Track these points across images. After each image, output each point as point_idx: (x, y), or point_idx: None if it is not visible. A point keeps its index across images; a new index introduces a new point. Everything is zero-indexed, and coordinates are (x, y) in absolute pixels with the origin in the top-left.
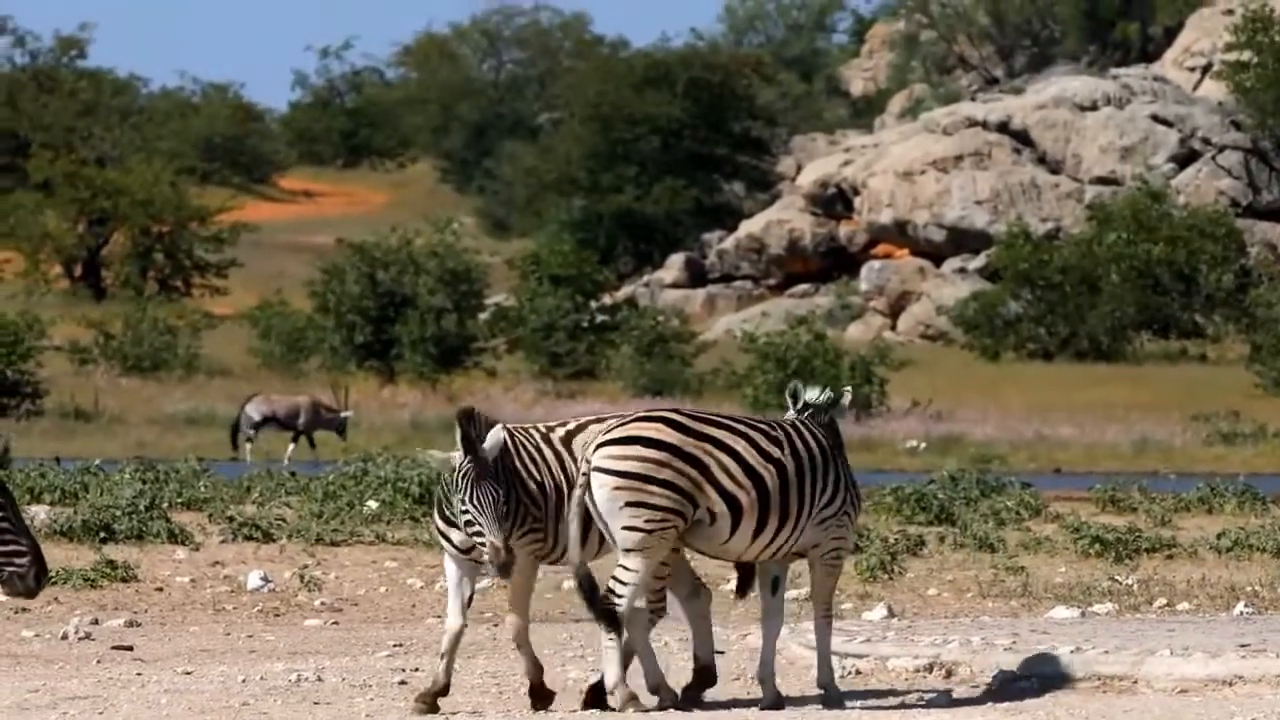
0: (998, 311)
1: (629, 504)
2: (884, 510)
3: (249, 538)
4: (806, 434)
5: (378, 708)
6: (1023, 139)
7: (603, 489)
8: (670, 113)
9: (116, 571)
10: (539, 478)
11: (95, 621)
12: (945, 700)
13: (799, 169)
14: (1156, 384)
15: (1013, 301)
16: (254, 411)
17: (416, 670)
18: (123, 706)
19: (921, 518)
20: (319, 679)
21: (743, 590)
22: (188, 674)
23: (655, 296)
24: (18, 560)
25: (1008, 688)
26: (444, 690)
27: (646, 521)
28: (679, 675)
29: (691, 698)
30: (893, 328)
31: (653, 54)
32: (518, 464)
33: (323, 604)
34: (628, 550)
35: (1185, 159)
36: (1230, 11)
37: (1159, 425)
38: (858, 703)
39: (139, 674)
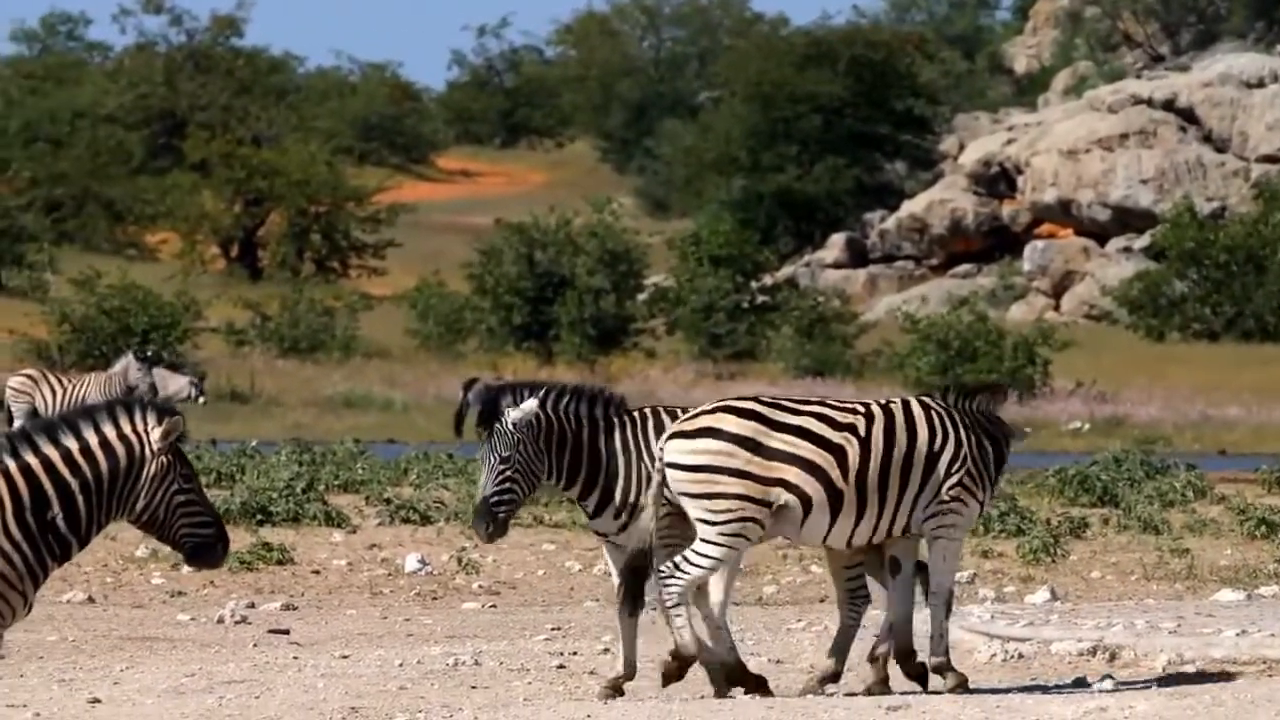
0: (1162, 291)
1: (699, 495)
2: (1047, 492)
3: (406, 520)
4: (909, 413)
5: (535, 692)
6: (1188, 117)
7: (675, 482)
8: (832, 91)
9: (273, 554)
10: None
11: (252, 605)
12: (1109, 684)
13: (961, 148)
14: None
15: (1178, 281)
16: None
17: (575, 654)
18: (279, 690)
19: (1085, 499)
20: (476, 663)
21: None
22: (344, 658)
23: (816, 277)
24: (203, 532)
25: (1172, 672)
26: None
27: (718, 512)
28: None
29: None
30: (1056, 308)
31: (814, 32)
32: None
33: (480, 587)
34: (702, 540)
35: None
36: None
37: None
38: (1021, 687)
39: (295, 658)
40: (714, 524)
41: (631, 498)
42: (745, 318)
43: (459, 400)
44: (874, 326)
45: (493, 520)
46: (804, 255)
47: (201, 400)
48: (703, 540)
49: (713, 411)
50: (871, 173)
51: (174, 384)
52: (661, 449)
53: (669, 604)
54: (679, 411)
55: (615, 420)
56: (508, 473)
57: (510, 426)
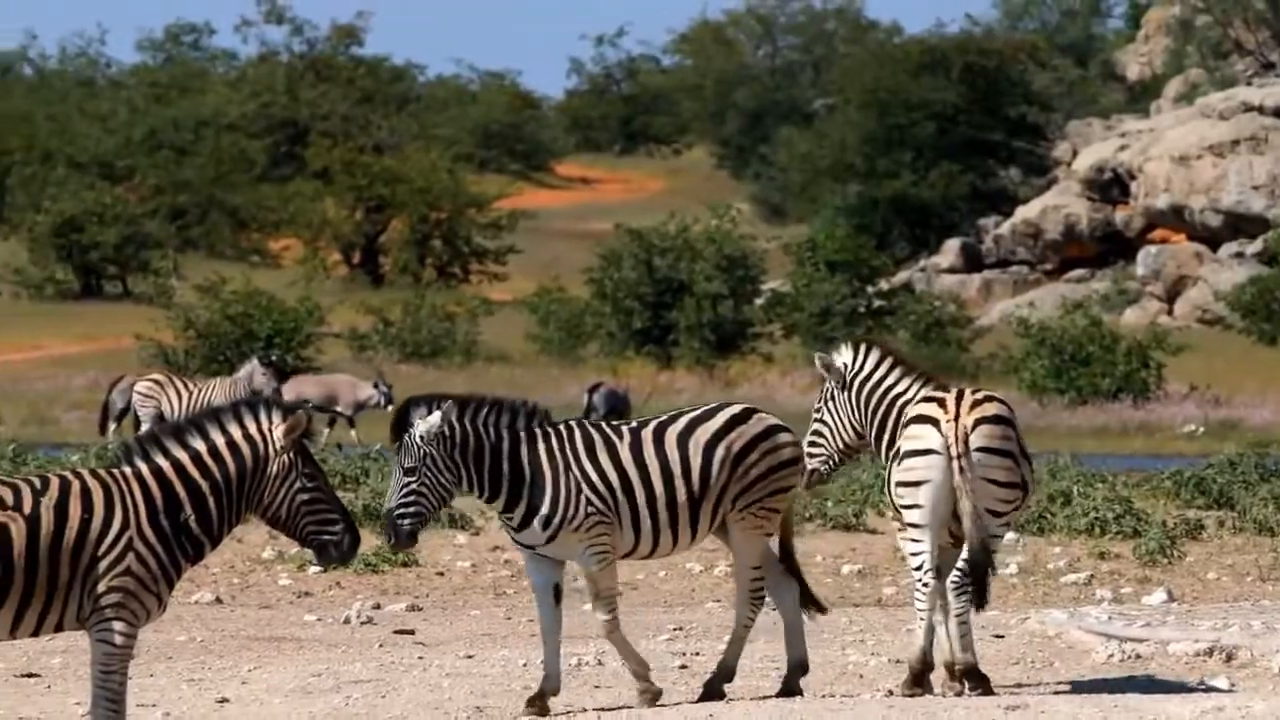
0: (1275, 296)
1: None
2: (1163, 494)
3: None
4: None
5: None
6: None
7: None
8: (946, 98)
9: (398, 556)
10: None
11: (377, 606)
12: (1225, 685)
13: (1075, 154)
14: None
15: None
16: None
17: (697, 654)
18: (404, 690)
19: (1200, 502)
20: (599, 663)
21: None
22: (469, 658)
23: (931, 281)
24: (331, 529)
25: None
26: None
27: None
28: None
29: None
30: (1169, 312)
31: (928, 40)
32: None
33: None
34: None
35: None
36: None
37: None
38: (1138, 687)
39: (420, 658)
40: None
41: (560, 510)
42: (862, 322)
43: (584, 403)
44: (989, 331)
45: (396, 533)
46: (919, 260)
47: (390, 408)
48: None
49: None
50: (985, 179)
51: (364, 392)
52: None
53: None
54: (604, 425)
55: (538, 432)
56: (412, 485)
57: (418, 439)
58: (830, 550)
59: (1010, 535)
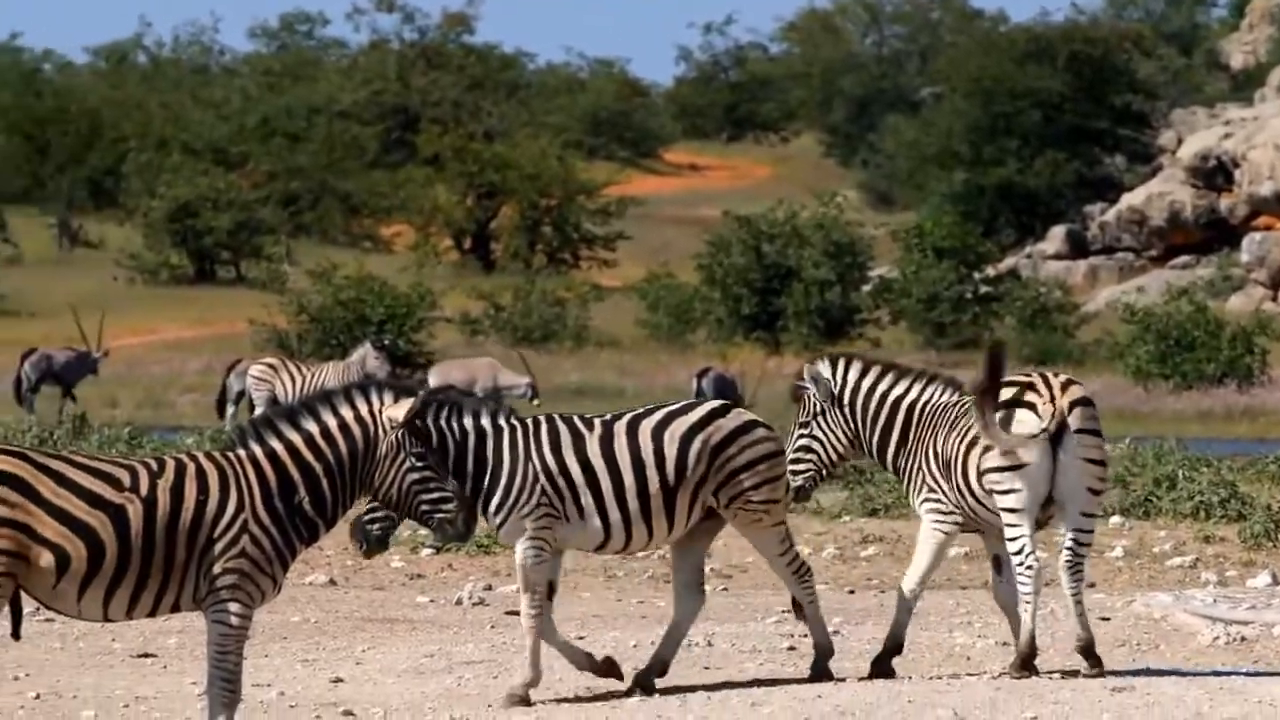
0: None
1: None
2: (1267, 478)
3: None
4: None
5: (767, 673)
6: None
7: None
8: (1051, 86)
9: None
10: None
11: (489, 587)
12: None
13: (1179, 142)
14: None
15: None
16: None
17: (804, 636)
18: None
19: None
20: (709, 644)
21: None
22: (580, 639)
23: (1037, 268)
24: (445, 507)
25: None
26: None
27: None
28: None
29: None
30: (1274, 299)
31: (1033, 28)
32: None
33: (712, 570)
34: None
35: None
36: None
37: None
38: (1243, 669)
39: None
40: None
41: (511, 497)
42: (969, 308)
43: (693, 388)
44: (1094, 317)
45: (365, 538)
46: (1025, 247)
47: (536, 402)
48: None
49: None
50: (1091, 166)
51: (505, 378)
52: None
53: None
54: (576, 419)
55: (504, 426)
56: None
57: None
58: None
59: (1116, 519)
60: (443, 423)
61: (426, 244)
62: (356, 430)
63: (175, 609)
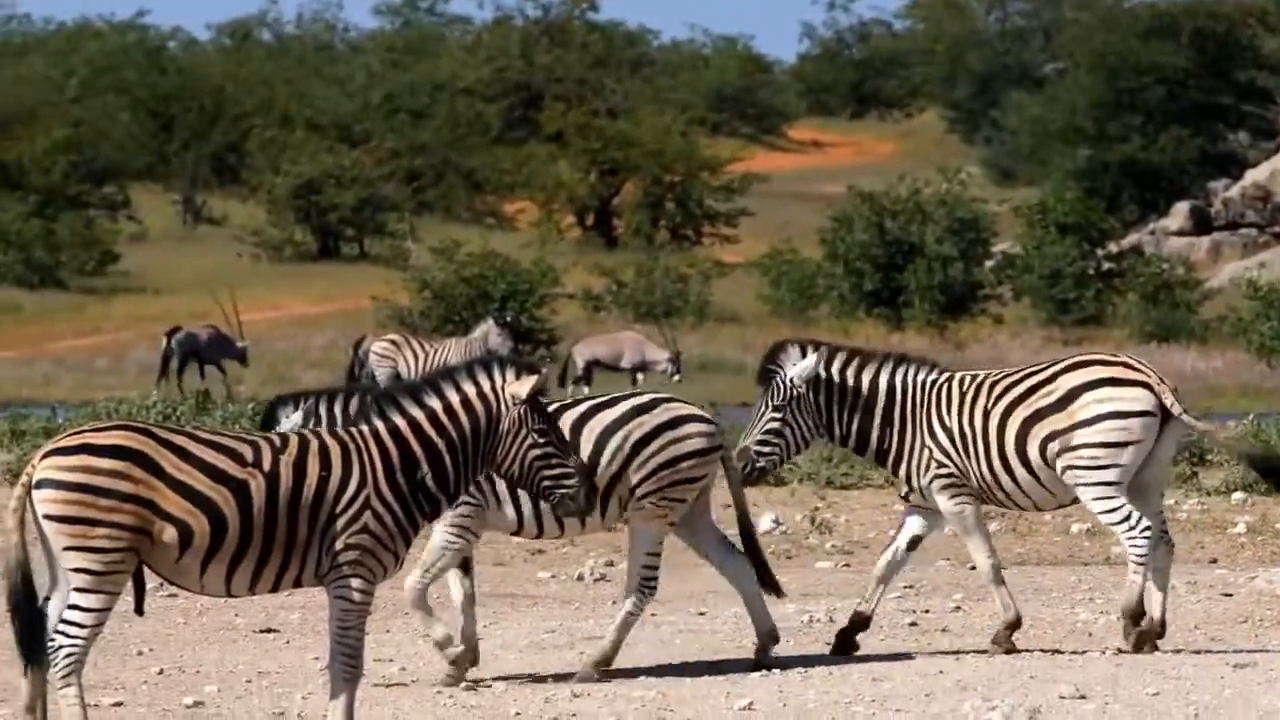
0: None
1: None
2: None
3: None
4: None
5: (888, 648)
6: None
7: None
8: (1175, 62)
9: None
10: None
11: (610, 563)
12: None
13: None
14: None
15: None
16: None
17: (926, 612)
18: (638, 647)
19: None
20: (830, 620)
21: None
22: (700, 615)
23: (1160, 244)
24: (566, 482)
25: None
26: None
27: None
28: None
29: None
30: None
31: (1157, 4)
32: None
33: (833, 547)
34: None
35: None
36: None
37: None
38: None
39: (653, 615)
40: None
41: None
42: (1092, 284)
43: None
44: (1217, 293)
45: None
46: (1148, 223)
47: (676, 378)
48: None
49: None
50: (1214, 142)
51: (651, 353)
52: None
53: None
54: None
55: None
56: None
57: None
58: (1060, 509)
59: (1239, 495)
60: (370, 413)
61: (549, 221)
62: (479, 406)
63: (297, 584)
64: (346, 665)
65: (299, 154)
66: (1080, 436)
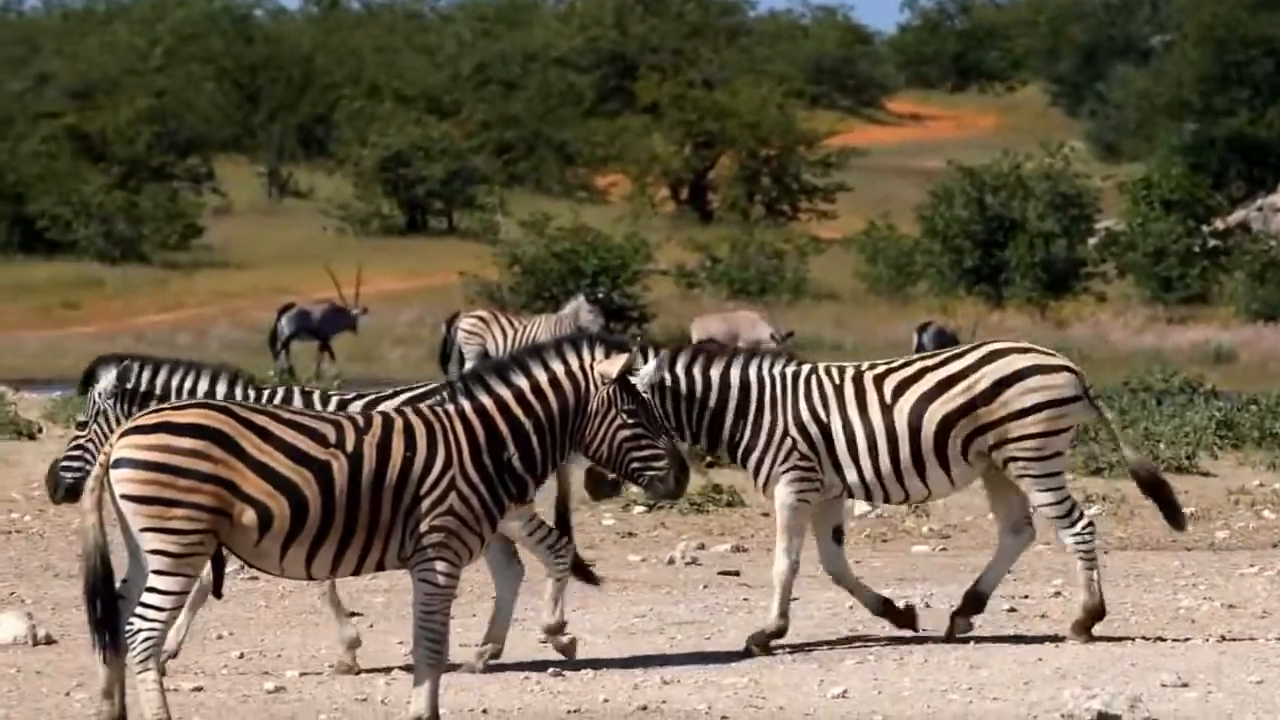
0: None
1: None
2: None
3: None
4: None
5: (986, 634)
6: None
7: None
8: None
9: (723, 496)
10: None
11: (701, 546)
12: None
13: None
14: None
15: None
16: None
17: (1025, 598)
18: (729, 632)
19: None
20: (926, 605)
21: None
22: (794, 600)
23: (1268, 221)
24: (656, 464)
25: None
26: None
27: None
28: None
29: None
30: None
31: None
32: None
33: (930, 530)
34: None
35: None
36: None
37: None
38: None
39: (745, 599)
40: None
41: None
42: (1197, 262)
43: (914, 343)
44: None
45: (57, 484)
46: (1256, 199)
47: None
48: None
49: None
50: None
51: (762, 331)
52: None
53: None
54: (315, 395)
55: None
56: (80, 440)
57: (96, 395)
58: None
59: None
60: (185, 390)
61: (643, 194)
62: (567, 385)
63: (380, 567)
64: (431, 650)
65: (387, 125)
66: (1020, 428)
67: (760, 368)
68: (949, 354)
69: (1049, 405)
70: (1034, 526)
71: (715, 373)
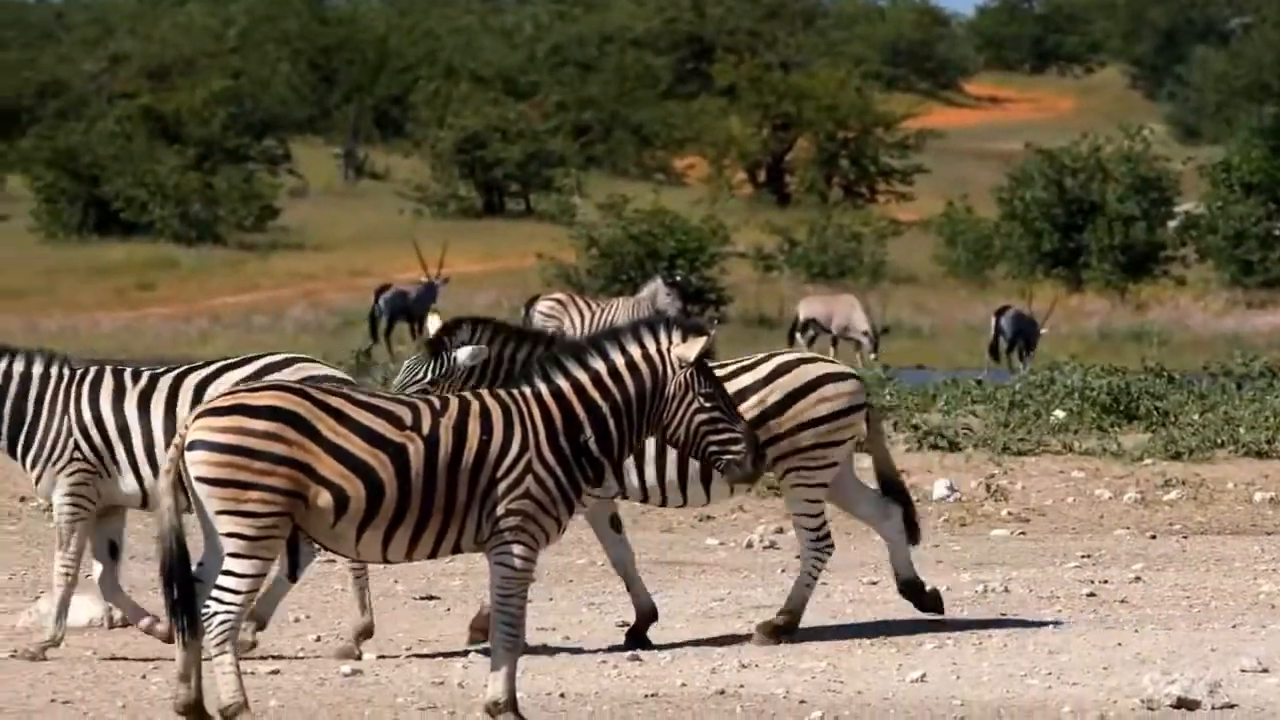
0: None
1: None
2: None
3: (934, 446)
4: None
5: (1066, 619)
6: None
7: None
8: None
9: None
10: None
11: (780, 531)
12: None
13: None
14: None
15: None
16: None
17: (1105, 582)
18: (807, 616)
19: None
20: (1005, 590)
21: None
22: (873, 584)
23: None
24: (734, 448)
25: None
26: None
27: None
28: None
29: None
30: None
31: None
32: None
33: (1009, 514)
34: None
35: None
36: None
37: None
38: None
39: (823, 583)
40: None
41: (45, 450)
42: (1277, 245)
43: (991, 326)
44: None
45: None
46: None
47: (873, 356)
48: None
49: None
50: None
51: (859, 321)
52: None
53: None
54: (126, 372)
55: (53, 374)
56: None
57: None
58: (1243, 477)
59: None
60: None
61: (720, 177)
62: (644, 369)
63: (457, 550)
64: (508, 634)
65: (463, 107)
66: (813, 436)
67: (505, 350)
68: (739, 365)
69: (841, 414)
70: (895, 496)
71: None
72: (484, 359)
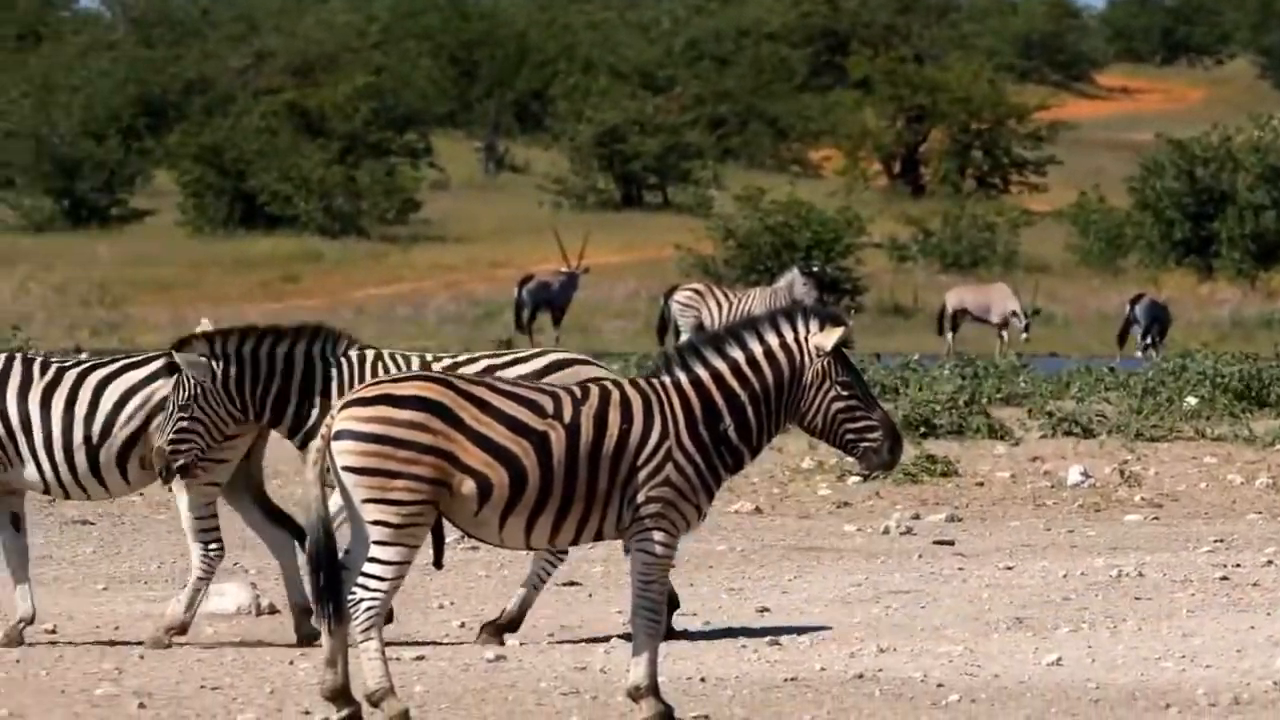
0: None
1: None
2: None
3: (1068, 433)
4: None
5: (1199, 604)
6: None
7: None
8: None
9: (937, 466)
10: None
11: (916, 516)
12: None
13: None
14: None
15: None
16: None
17: (1238, 566)
18: (944, 601)
19: None
20: (1139, 574)
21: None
22: (1008, 569)
23: None
24: (870, 435)
25: None
26: None
27: None
28: None
29: None
30: None
31: None
32: None
33: (1143, 499)
34: None
35: None
36: None
37: None
38: None
39: (960, 569)
40: None
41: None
42: None
43: (1125, 315)
44: None
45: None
46: None
47: (1024, 337)
48: None
49: None
50: None
51: (1011, 305)
52: None
53: None
54: (42, 363)
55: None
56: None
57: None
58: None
59: None
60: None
61: (855, 168)
62: (782, 357)
63: (598, 537)
64: (649, 620)
65: (602, 101)
66: None
67: (296, 347)
68: (512, 358)
69: None
70: None
71: (280, 351)
72: (208, 371)
